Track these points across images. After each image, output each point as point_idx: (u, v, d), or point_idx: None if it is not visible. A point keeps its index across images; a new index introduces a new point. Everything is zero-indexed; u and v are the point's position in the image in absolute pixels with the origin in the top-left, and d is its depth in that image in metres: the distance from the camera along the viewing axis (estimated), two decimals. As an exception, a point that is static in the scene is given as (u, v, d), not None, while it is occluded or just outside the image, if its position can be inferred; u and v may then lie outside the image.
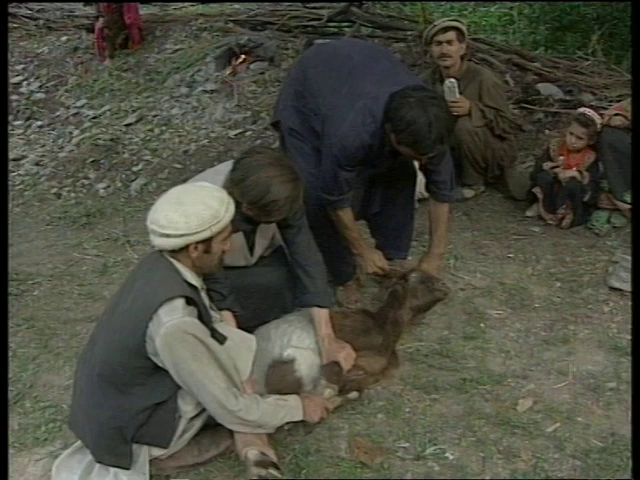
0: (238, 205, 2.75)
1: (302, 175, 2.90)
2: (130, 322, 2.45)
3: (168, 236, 2.44)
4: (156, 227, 2.45)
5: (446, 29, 4.61)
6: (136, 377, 2.51)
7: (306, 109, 3.40)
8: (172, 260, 2.52)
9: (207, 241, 2.49)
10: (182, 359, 2.42)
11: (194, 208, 2.44)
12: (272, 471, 2.51)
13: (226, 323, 2.82)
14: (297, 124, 3.44)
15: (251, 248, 3.10)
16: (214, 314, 2.72)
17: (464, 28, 4.69)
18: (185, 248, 2.48)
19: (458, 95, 4.56)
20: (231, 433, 2.69)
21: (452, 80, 4.56)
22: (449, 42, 4.59)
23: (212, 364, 2.48)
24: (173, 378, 2.49)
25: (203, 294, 2.65)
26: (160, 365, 2.47)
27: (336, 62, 3.38)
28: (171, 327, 2.37)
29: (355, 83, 3.22)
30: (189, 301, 2.45)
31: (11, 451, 2.81)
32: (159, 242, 2.47)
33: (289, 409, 2.70)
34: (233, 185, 2.76)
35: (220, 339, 2.56)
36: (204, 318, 2.52)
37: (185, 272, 2.52)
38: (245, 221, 2.90)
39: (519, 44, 7.89)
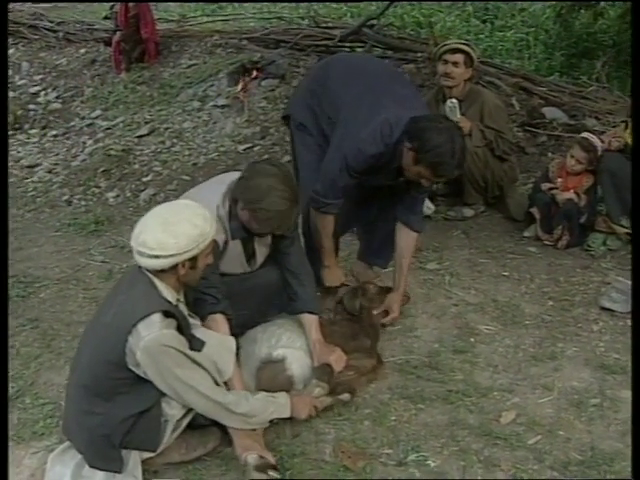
0: (235, 202, 2.89)
1: (304, 169, 3.04)
2: (111, 335, 2.55)
3: (157, 257, 2.51)
4: (144, 249, 2.51)
5: (455, 50, 4.72)
6: (119, 387, 2.61)
7: (319, 109, 3.54)
8: (151, 276, 2.60)
9: (194, 258, 2.58)
10: (166, 368, 2.53)
11: (182, 228, 2.52)
12: (271, 473, 2.63)
13: (216, 327, 2.91)
14: (307, 120, 3.59)
15: (251, 257, 3.19)
16: (193, 321, 2.81)
17: (474, 54, 4.79)
18: (173, 267, 2.56)
19: (459, 115, 4.66)
20: (219, 434, 2.82)
21: (453, 100, 4.67)
22: (455, 64, 4.70)
23: (195, 368, 2.60)
24: (155, 387, 2.58)
25: (181, 306, 2.73)
26: (142, 376, 2.57)
27: (364, 75, 3.54)
28: (150, 341, 2.48)
29: (378, 98, 3.37)
30: (167, 314, 2.55)
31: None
32: (148, 263, 2.54)
33: (277, 405, 2.81)
34: (237, 182, 2.90)
35: (198, 346, 2.66)
36: (183, 328, 2.62)
37: (162, 288, 2.60)
38: (243, 230, 3.00)
39: (534, 69, 7.99)
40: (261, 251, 3.21)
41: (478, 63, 5.21)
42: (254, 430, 2.78)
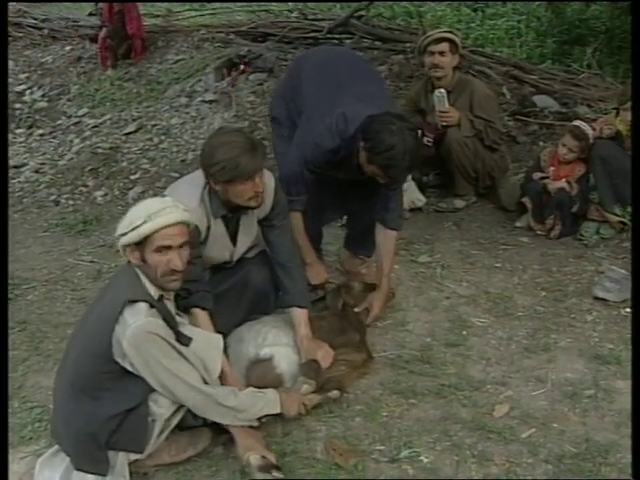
0: (208, 181, 2.92)
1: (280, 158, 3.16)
2: (99, 327, 2.57)
3: None
4: None
5: (439, 40, 4.71)
6: (104, 382, 2.61)
7: (292, 103, 3.61)
8: (136, 269, 2.64)
9: (138, 249, 2.59)
10: (152, 357, 2.53)
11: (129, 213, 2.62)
12: (275, 473, 2.63)
13: (196, 321, 2.92)
14: (280, 114, 3.70)
15: (234, 238, 3.17)
16: (180, 319, 2.81)
17: (458, 40, 4.79)
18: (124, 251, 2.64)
19: (447, 105, 4.65)
20: (209, 434, 2.81)
21: (442, 90, 4.66)
22: (442, 53, 4.69)
23: (182, 360, 2.60)
24: (142, 383, 2.58)
25: (168, 303, 2.73)
26: (128, 368, 2.57)
27: (331, 70, 3.58)
28: (136, 328, 2.48)
29: (339, 94, 3.40)
30: (152, 306, 2.56)
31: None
32: None
33: (267, 401, 2.80)
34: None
35: (185, 342, 2.65)
36: (169, 323, 2.62)
37: (145, 282, 2.63)
38: (225, 208, 3.00)
39: (525, 57, 7.97)
40: (243, 241, 3.20)
41: (464, 50, 5.21)
42: (255, 429, 2.78)
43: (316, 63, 3.66)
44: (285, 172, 3.42)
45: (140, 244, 2.58)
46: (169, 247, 2.59)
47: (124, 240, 2.59)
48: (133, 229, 2.56)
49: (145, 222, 2.55)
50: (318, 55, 3.86)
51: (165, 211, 2.58)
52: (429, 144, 4.68)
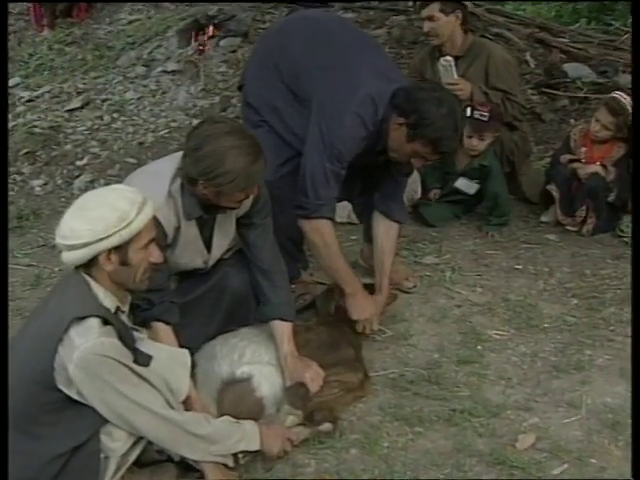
0: (193, 183, 2.88)
1: None
2: (37, 348, 2.53)
3: (73, 247, 2.49)
4: (59, 239, 2.52)
5: (426, 3, 4.73)
6: (45, 416, 2.57)
7: (281, 85, 3.58)
8: (86, 277, 2.59)
9: (121, 250, 2.55)
10: (106, 383, 2.50)
11: (98, 212, 2.49)
12: None
13: (157, 337, 2.92)
14: (257, 99, 3.67)
15: (208, 242, 3.18)
16: (138, 335, 2.80)
17: None
18: (96, 261, 2.54)
19: (456, 76, 4.64)
20: (174, 471, 2.80)
21: (448, 58, 4.64)
22: (430, 18, 4.71)
23: (143, 384, 2.58)
24: (92, 414, 2.55)
25: (122, 316, 2.71)
26: (75, 397, 2.53)
27: (332, 44, 3.60)
28: (85, 350, 2.44)
29: (354, 75, 3.45)
30: (105, 321, 2.53)
31: None
32: (66, 257, 2.53)
33: (244, 433, 2.79)
34: (186, 155, 2.88)
35: (144, 362, 2.63)
36: (125, 340, 2.60)
37: (99, 291, 2.59)
38: (201, 208, 2.99)
39: (554, 16, 7.95)
40: (218, 244, 3.21)
41: (478, 9, 5.18)
42: (230, 469, 2.78)
43: (307, 37, 3.65)
44: (311, 171, 3.42)
45: (123, 244, 2.54)
46: (153, 240, 2.63)
47: (104, 245, 2.50)
48: (125, 226, 2.50)
49: (138, 214, 2.54)
50: (305, 26, 3.82)
51: (146, 200, 2.60)
52: (484, 118, 4.52)
